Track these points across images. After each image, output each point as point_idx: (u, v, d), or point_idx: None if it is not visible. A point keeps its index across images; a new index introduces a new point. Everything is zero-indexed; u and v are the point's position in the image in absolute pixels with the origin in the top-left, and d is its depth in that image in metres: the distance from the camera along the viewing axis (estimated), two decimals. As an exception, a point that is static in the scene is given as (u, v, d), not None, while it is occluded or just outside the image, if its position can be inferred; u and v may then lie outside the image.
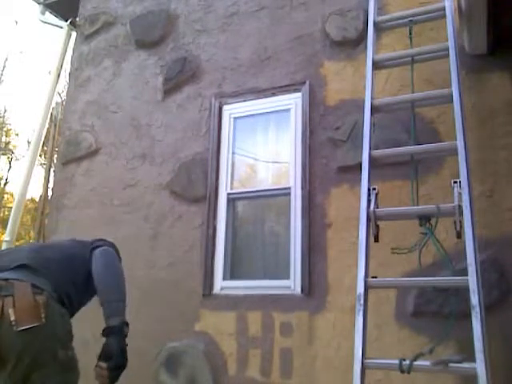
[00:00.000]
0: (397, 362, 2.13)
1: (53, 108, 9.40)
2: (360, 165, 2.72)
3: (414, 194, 2.73)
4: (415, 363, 2.11)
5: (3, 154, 19.58)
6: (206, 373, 3.30)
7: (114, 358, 1.68)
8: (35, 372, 1.55)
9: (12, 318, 1.55)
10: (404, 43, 3.22)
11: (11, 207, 6.39)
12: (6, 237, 4.95)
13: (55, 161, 11.84)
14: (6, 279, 1.64)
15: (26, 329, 1.55)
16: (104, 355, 1.71)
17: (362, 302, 2.30)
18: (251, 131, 3.85)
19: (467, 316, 2.12)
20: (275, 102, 3.71)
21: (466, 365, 2.06)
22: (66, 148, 4.50)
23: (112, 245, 1.99)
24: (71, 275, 1.85)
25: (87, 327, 2.79)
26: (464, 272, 2.22)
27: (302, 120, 3.53)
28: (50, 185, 11.53)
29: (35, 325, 1.57)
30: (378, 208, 2.53)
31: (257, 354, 3.22)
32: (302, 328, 3.14)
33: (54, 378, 1.58)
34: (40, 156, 12.87)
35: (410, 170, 2.82)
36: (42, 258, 1.85)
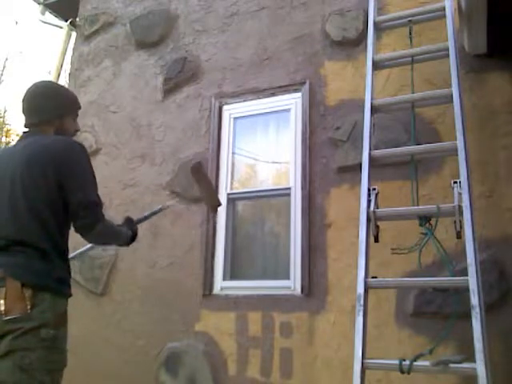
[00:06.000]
0: (397, 362, 2.13)
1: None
2: (360, 165, 2.72)
3: (414, 194, 2.73)
4: (415, 364, 2.11)
5: (3, 155, 19.42)
6: (206, 373, 3.30)
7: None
8: (18, 350, 1.74)
9: (2, 308, 1.76)
10: (404, 43, 3.22)
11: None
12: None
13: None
14: None
15: (12, 318, 1.76)
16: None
17: (362, 302, 2.30)
18: (251, 131, 3.85)
19: (467, 316, 2.12)
20: (275, 102, 3.71)
21: (466, 365, 2.06)
22: (66, 148, 4.49)
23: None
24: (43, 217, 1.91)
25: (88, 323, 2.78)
26: (464, 272, 2.22)
27: (302, 120, 3.53)
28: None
29: (21, 315, 1.76)
30: (378, 208, 2.53)
31: (257, 354, 3.22)
32: (302, 328, 3.14)
33: (34, 353, 1.75)
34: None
35: (410, 170, 2.81)
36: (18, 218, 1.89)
